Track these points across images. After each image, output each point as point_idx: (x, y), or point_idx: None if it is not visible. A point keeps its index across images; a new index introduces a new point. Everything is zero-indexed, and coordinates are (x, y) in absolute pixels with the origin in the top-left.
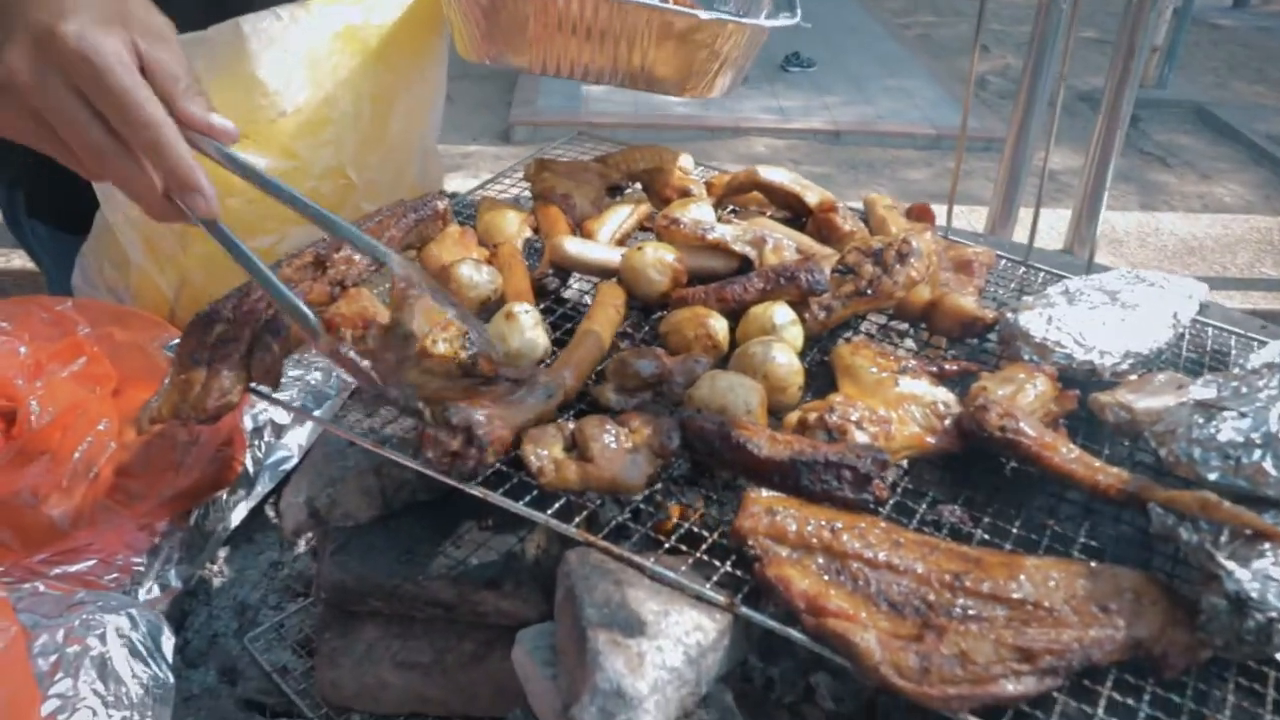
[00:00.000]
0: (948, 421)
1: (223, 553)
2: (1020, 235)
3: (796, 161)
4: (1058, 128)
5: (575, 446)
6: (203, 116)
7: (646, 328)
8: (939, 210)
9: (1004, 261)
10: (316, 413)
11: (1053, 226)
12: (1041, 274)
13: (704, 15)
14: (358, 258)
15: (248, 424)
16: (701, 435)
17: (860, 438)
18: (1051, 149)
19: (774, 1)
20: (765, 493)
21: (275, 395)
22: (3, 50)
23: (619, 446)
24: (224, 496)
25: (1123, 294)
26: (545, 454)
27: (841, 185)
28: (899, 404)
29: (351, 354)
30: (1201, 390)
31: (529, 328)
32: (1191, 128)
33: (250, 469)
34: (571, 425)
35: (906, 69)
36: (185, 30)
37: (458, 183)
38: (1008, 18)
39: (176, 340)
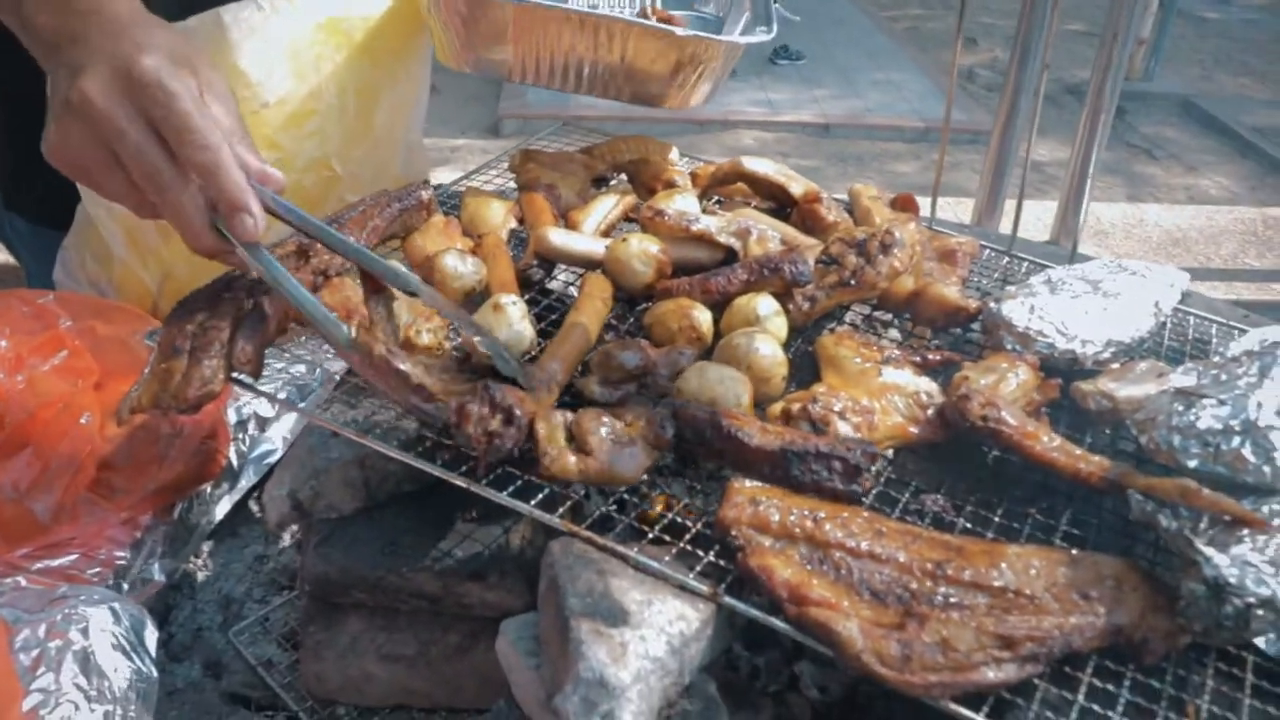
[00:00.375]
0: (930, 411)
1: (207, 546)
2: (1006, 226)
3: (785, 154)
4: (1046, 120)
5: (572, 439)
6: (257, 165)
7: (631, 319)
8: (923, 201)
9: (988, 252)
10: (301, 405)
11: (1039, 218)
12: (1025, 264)
13: (680, 32)
14: None
15: (231, 417)
16: (694, 424)
17: (843, 428)
18: (1040, 141)
19: (753, 8)
20: (749, 483)
21: (259, 387)
22: (80, 78)
23: (616, 439)
24: (208, 490)
25: (1105, 283)
26: (553, 440)
27: (830, 178)
28: (882, 394)
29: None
30: (1182, 378)
31: (516, 319)
32: (1178, 120)
33: (234, 462)
34: (569, 417)
35: (895, 62)
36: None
37: (446, 176)
38: (996, 10)
39: (158, 330)
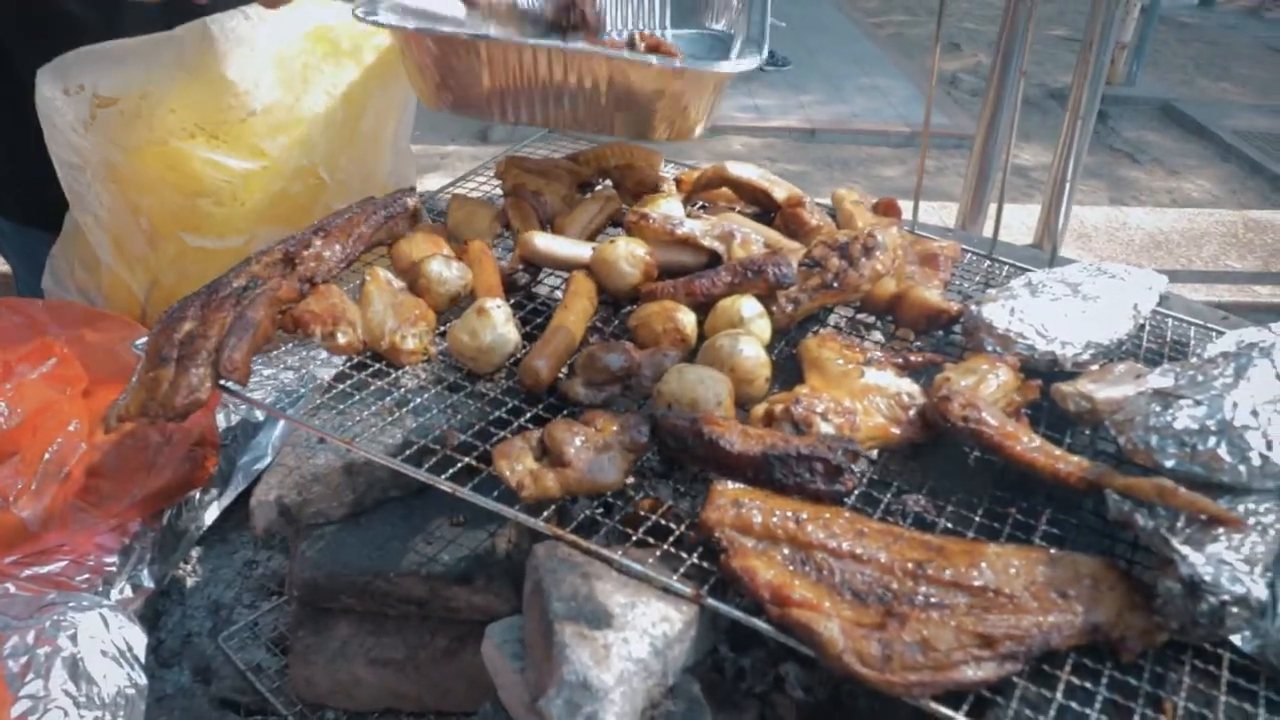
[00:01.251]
0: (912, 412)
1: (196, 552)
2: (990, 230)
3: (772, 159)
4: (1029, 125)
5: (546, 453)
6: None
7: (616, 322)
8: (906, 205)
9: (969, 255)
10: (288, 411)
11: (1023, 222)
12: (1006, 267)
13: (656, 62)
14: (327, 254)
15: (220, 423)
16: (675, 433)
17: (825, 429)
18: (1025, 146)
19: (749, 28)
20: (731, 485)
21: (246, 394)
22: None
23: (591, 447)
24: (197, 496)
25: (1084, 286)
26: (520, 468)
27: (816, 183)
28: (864, 395)
29: None
30: (1159, 379)
31: (501, 323)
32: (1160, 124)
33: (223, 468)
34: (537, 434)
35: (880, 68)
36: (145, 31)
37: (435, 182)
38: (980, 16)
39: (146, 339)
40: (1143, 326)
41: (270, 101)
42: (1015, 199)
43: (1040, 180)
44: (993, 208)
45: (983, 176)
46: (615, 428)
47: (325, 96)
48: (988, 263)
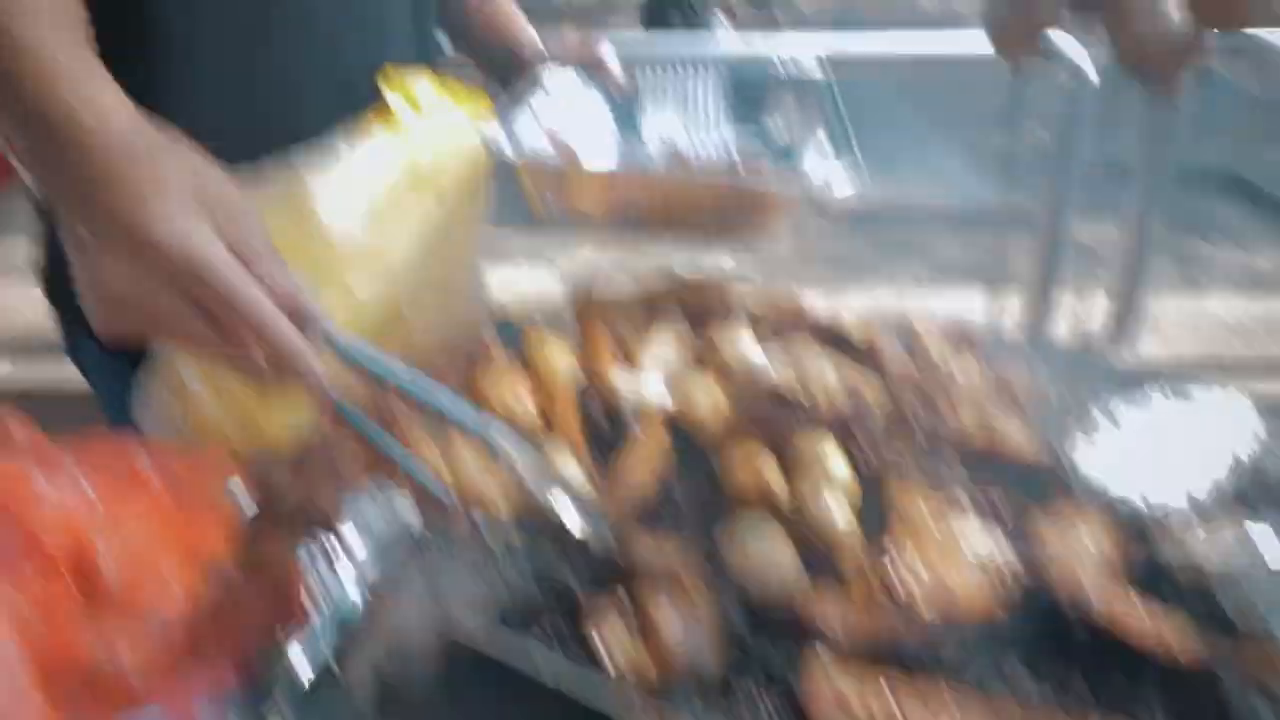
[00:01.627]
0: (1005, 574)
1: (289, 708)
2: (1059, 325)
3: (825, 240)
4: (1095, 203)
5: (639, 627)
6: (288, 289)
7: (690, 466)
8: (970, 292)
9: (1045, 373)
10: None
11: (1090, 308)
12: (1084, 386)
13: (775, 189)
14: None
15: (313, 570)
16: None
17: (919, 595)
18: (1089, 224)
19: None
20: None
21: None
22: (104, 258)
23: (689, 622)
24: (290, 648)
25: (1171, 420)
26: (616, 642)
27: (873, 263)
28: (954, 551)
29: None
30: (1266, 532)
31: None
32: (1225, 196)
33: (316, 619)
34: (625, 598)
35: (936, 145)
36: (228, 162)
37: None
38: (1039, 88)
39: (239, 480)
40: (1240, 464)
41: (358, 237)
42: (1080, 283)
43: (1105, 258)
44: (1060, 300)
45: (1049, 267)
46: (706, 602)
47: (410, 232)
48: (1068, 387)
